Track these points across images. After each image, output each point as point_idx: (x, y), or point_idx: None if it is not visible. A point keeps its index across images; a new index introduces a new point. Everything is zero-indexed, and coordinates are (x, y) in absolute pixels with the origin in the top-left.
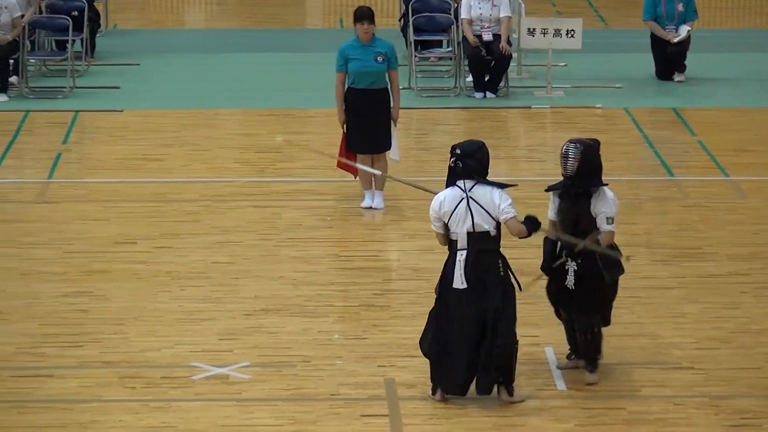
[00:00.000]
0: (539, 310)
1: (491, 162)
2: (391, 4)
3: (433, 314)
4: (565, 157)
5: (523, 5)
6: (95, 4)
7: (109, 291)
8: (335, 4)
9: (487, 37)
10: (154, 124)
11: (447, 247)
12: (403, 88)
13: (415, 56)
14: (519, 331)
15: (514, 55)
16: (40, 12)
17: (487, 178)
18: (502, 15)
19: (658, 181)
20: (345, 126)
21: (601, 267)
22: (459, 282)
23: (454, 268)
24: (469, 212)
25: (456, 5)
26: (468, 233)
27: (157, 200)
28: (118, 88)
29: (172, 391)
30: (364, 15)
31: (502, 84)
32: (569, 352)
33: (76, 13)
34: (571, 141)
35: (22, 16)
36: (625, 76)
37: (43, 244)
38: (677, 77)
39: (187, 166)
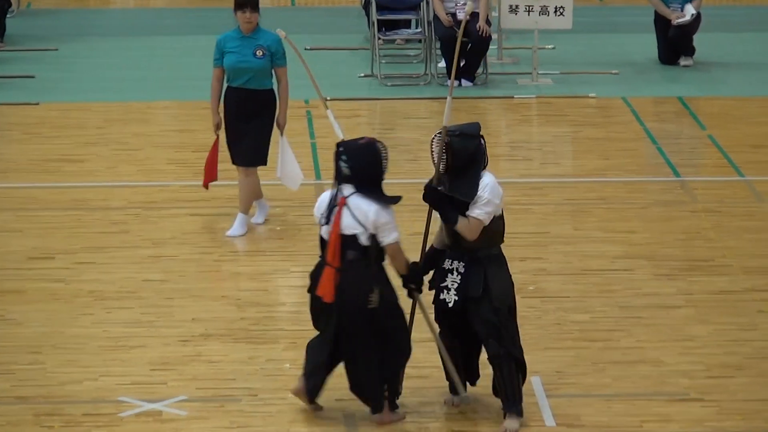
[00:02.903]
0: (525, 334)
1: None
2: None
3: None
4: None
5: None
6: None
7: (23, 314)
8: None
9: (462, 15)
10: (75, 120)
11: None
12: (365, 76)
13: (379, 38)
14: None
15: (494, 36)
16: None
17: None
18: None
19: (663, 183)
20: (218, 130)
21: None
22: None
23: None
24: None
25: None
26: None
27: (78, 208)
28: (33, 77)
29: (96, 430)
30: (246, 1)
31: (480, 70)
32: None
33: None
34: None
35: None
36: (624, 60)
37: None
38: (684, 61)
39: (113, 168)
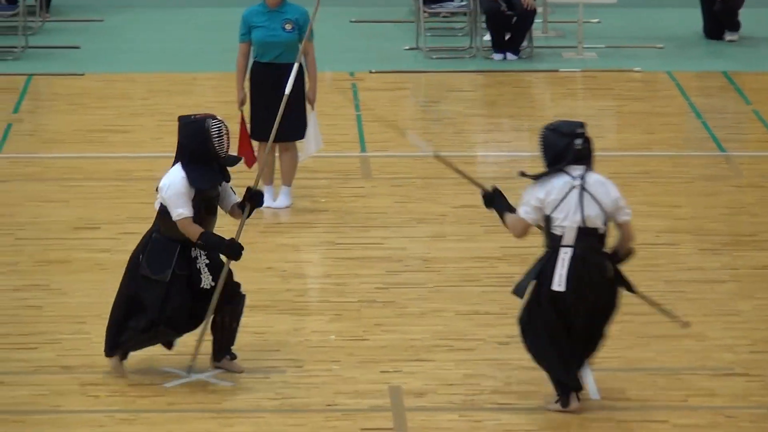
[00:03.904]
0: None
1: (513, 135)
2: None
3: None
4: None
5: None
6: None
7: (68, 284)
8: None
9: None
10: (120, 90)
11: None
12: (410, 48)
13: (424, 11)
14: None
15: (539, 10)
16: None
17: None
18: None
19: (707, 157)
20: (243, 106)
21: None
22: (557, 283)
23: (555, 267)
24: (580, 204)
25: None
26: (578, 228)
27: (123, 179)
28: (78, 48)
29: (141, 400)
30: None
31: (525, 44)
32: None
33: None
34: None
35: None
36: (669, 34)
37: None
38: (729, 36)
39: (158, 138)
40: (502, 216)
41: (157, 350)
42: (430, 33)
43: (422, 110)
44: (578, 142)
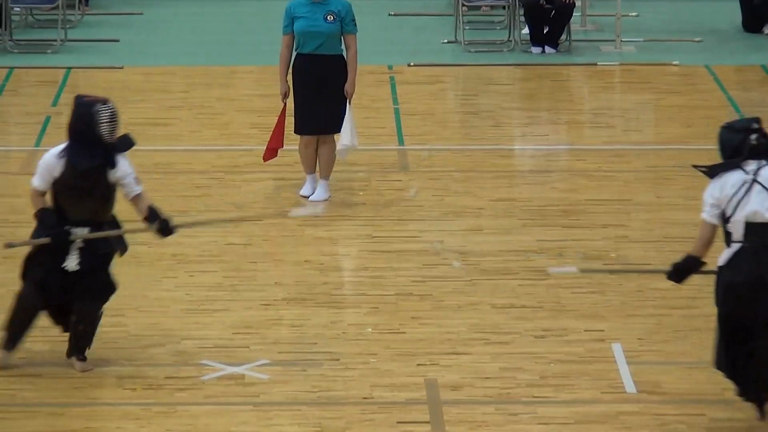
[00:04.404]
0: (606, 300)
1: (551, 128)
2: None
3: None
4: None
5: None
6: None
7: None
8: None
9: None
10: (159, 84)
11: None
12: (448, 42)
13: (463, 5)
14: (581, 324)
15: (578, 3)
16: None
17: None
18: None
19: None
20: (286, 99)
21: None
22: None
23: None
24: (748, 198)
25: None
26: (746, 224)
27: (161, 171)
28: (117, 41)
29: (179, 393)
30: None
31: (563, 37)
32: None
33: None
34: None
35: None
36: (707, 27)
37: (29, 221)
38: None
39: (196, 132)
40: (694, 262)
41: (193, 343)
42: (468, 26)
43: (460, 103)
44: (753, 137)
